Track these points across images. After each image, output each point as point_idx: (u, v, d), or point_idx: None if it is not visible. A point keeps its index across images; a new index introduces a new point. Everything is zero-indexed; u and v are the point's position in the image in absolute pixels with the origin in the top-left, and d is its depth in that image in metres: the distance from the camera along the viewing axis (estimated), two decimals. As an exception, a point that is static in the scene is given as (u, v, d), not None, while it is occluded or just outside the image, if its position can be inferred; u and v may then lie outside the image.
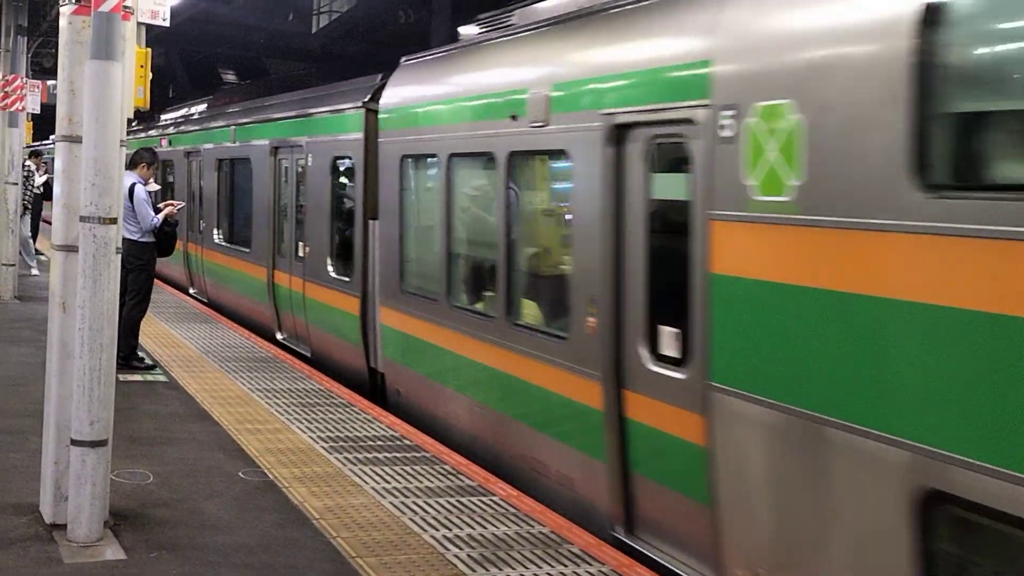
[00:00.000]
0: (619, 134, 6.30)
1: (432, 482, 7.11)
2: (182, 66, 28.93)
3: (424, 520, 6.31)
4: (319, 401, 9.45)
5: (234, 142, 14.90)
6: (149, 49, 7.03)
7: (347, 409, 9.18)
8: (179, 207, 10.86)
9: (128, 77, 6.35)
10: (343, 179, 11.14)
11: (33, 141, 24.03)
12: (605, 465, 6.31)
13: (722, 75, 5.38)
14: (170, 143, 19.07)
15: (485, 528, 6.23)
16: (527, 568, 5.64)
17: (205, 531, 6.00)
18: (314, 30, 29.45)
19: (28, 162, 17.78)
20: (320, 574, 5.46)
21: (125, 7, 5.71)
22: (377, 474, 7.23)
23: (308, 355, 11.83)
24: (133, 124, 20.33)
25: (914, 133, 4.26)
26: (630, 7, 6.62)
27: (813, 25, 4.94)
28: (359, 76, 11.51)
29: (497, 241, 7.74)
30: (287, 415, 8.84)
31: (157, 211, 10.41)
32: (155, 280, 11.05)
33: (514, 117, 7.39)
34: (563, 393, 6.76)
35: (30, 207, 18.08)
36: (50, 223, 6.91)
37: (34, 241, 19.44)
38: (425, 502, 6.66)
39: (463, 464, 7.60)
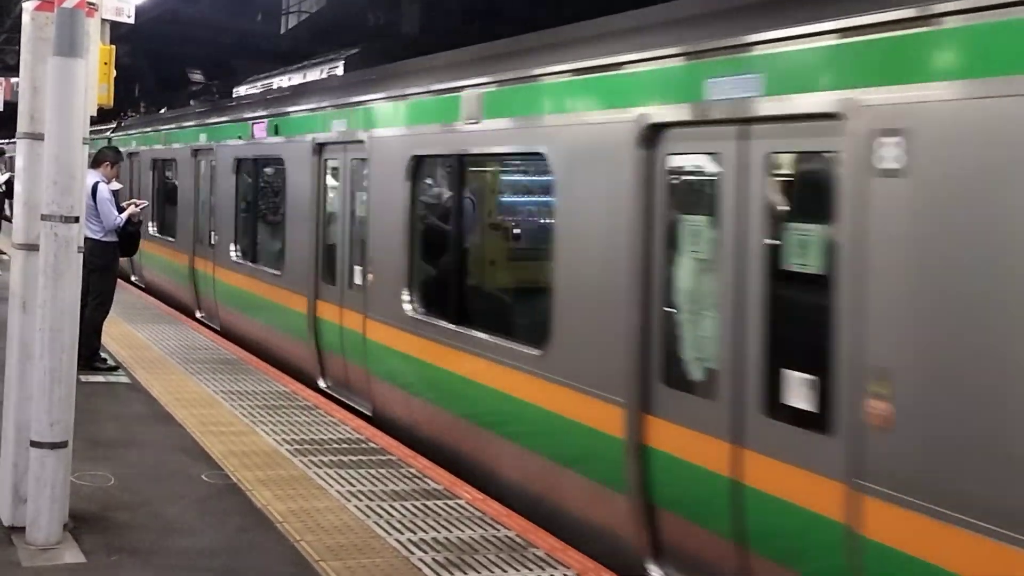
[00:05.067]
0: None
1: (397, 485, 7.07)
2: (149, 65, 28.72)
3: (389, 524, 6.27)
4: (284, 404, 9.39)
5: None
6: (113, 46, 6.95)
7: (312, 412, 9.12)
8: (142, 206, 10.77)
9: (91, 74, 6.29)
10: None
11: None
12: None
13: None
14: None
15: (450, 532, 6.20)
16: (492, 572, 5.61)
17: (166, 534, 5.93)
18: (283, 31, 29.30)
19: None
20: (283, 578, 5.41)
21: (89, 3, 5.66)
22: (342, 477, 7.18)
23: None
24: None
25: None
26: None
27: None
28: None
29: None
30: (251, 417, 8.77)
31: (120, 210, 10.31)
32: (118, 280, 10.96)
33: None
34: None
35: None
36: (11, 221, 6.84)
37: (-5, 240, 19.24)
38: (390, 505, 6.62)
39: (429, 467, 7.57)
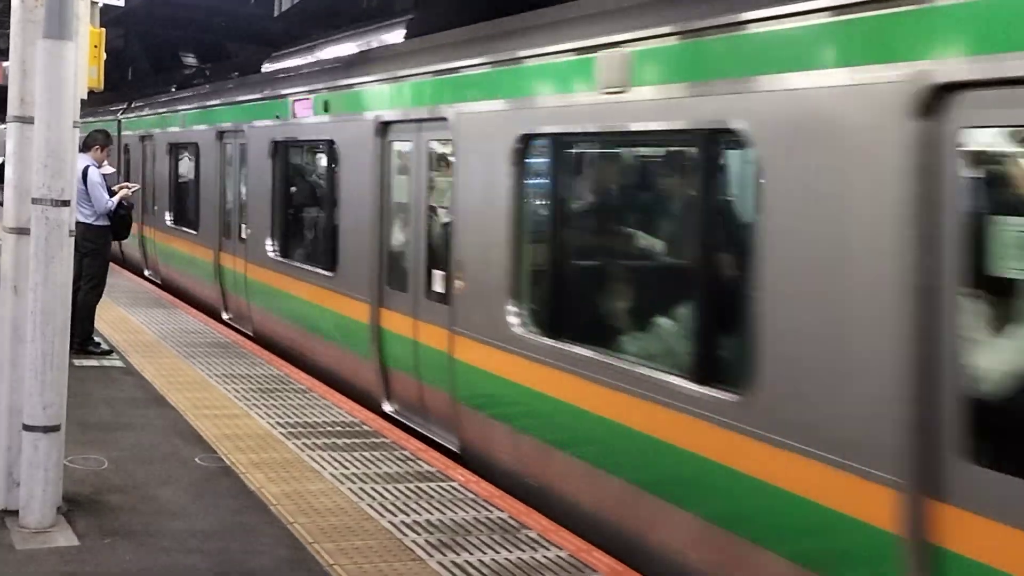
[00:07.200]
0: None
1: (391, 468, 7.09)
2: (142, 49, 28.61)
3: (382, 506, 6.29)
4: (277, 387, 9.39)
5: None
6: (103, 29, 6.91)
7: (306, 395, 9.13)
8: (133, 189, 10.75)
9: (81, 57, 6.26)
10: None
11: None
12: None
13: None
14: None
15: (443, 513, 6.22)
16: (485, 553, 5.63)
17: (160, 517, 5.94)
18: (275, 14, 29.15)
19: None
20: (277, 560, 5.42)
21: (78, -15, 5.62)
22: (335, 460, 7.20)
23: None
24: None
25: None
26: None
27: None
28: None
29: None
30: (245, 400, 8.78)
31: (112, 194, 10.30)
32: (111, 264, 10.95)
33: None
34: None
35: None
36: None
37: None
38: (383, 488, 6.64)
39: (422, 449, 7.59)
